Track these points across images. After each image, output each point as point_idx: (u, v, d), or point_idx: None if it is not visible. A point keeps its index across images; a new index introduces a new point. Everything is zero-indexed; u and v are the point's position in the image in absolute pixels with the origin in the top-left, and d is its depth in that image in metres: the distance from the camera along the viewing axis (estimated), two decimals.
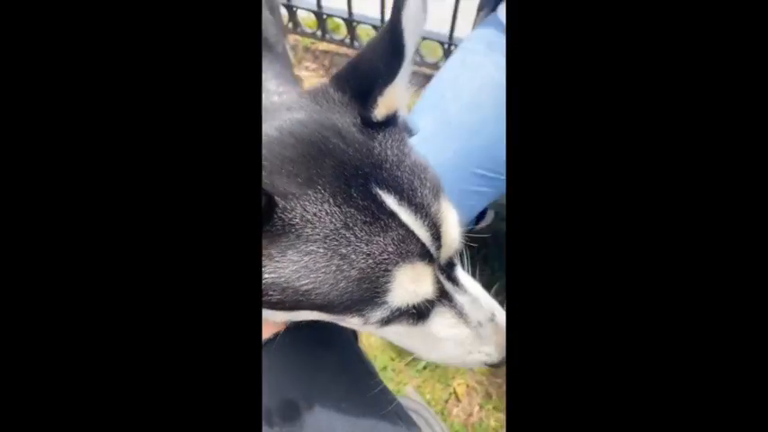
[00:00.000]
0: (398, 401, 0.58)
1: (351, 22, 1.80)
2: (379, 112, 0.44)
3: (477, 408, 1.27)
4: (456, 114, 0.82)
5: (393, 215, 0.40)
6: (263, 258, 0.39)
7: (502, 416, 1.25)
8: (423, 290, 0.43)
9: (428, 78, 1.06)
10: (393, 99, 0.45)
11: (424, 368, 1.30)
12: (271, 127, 0.42)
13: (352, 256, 0.39)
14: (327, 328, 0.61)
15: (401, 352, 1.34)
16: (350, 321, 0.43)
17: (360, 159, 0.41)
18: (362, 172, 0.40)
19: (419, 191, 0.42)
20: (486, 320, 0.48)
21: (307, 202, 0.39)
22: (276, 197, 0.38)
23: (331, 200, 0.39)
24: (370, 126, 0.44)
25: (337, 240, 0.39)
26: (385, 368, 1.31)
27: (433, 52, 1.80)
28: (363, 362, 0.60)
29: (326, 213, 0.39)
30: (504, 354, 0.49)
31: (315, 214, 0.39)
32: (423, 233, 0.42)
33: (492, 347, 0.48)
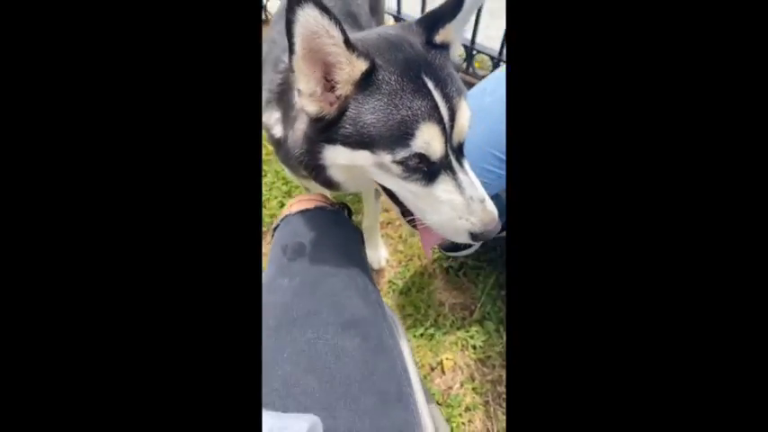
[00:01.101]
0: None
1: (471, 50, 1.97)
2: (438, 38, 0.74)
3: (458, 384, 1.39)
4: (489, 103, 1.01)
5: (430, 93, 0.67)
6: (350, 100, 0.67)
7: (479, 398, 1.36)
8: (434, 147, 0.67)
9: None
10: (448, 33, 0.74)
11: (422, 335, 1.45)
12: (375, 33, 0.74)
13: (400, 107, 0.65)
14: (346, 221, 0.81)
15: (405, 315, 1.50)
16: (384, 157, 0.67)
17: (418, 58, 0.69)
18: (418, 64, 0.68)
19: (449, 86, 0.69)
20: (478, 199, 0.69)
21: (387, 72, 0.67)
22: (377, 64, 0.67)
23: (398, 73, 0.67)
24: (429, 45, 0.74)
25: (395, 96, 0.66)
26: None
27: (484, 64, 2.17)
28: (361, 251, 0.79)
29: (395, 81, 0.67)
30: (487, 230, 0.68)
31: (389, 79, 0.66)
32: (444, 111, 0.68)
33: (477, 220, 0.69)
